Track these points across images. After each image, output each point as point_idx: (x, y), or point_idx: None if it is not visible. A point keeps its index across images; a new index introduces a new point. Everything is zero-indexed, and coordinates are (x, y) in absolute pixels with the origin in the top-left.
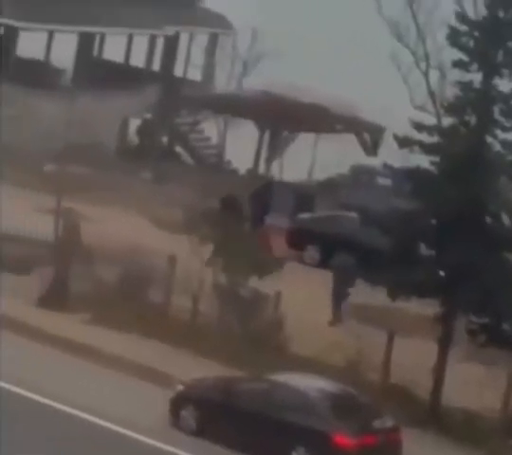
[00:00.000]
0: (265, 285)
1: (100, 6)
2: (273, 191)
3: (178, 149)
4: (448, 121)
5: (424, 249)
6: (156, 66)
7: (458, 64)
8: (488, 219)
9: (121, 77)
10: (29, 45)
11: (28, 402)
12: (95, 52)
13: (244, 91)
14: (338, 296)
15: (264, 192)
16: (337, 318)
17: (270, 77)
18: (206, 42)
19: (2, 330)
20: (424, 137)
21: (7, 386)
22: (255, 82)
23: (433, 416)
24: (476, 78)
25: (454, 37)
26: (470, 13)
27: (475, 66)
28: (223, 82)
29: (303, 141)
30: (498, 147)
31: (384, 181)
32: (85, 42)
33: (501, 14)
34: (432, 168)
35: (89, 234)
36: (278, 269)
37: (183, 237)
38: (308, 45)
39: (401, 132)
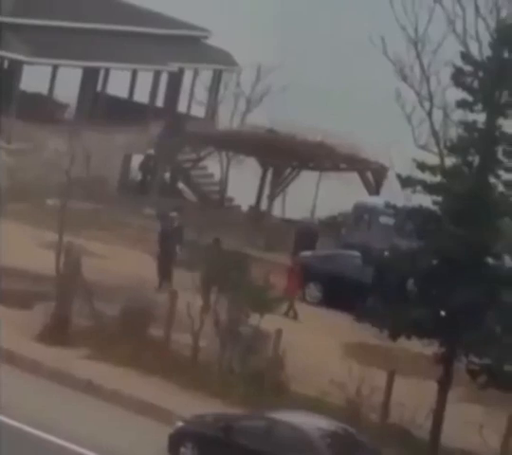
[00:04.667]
0: (266, 323)
1: (104, 41)
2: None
3: (181, 185)
4: (451, 161)
5: (425, 289)
6: (160, 102)
7: (462, 104)
8: (490, 260)
9: (125, 112)
10: (33, 79)
11: (27, 435)
12: (99, 87)
13: (247, 128)
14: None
15: None
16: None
17: (274, 114)
18: (210, 78)
19: (2, 364)
20: (427, 177)
21: (5, 419)
22: (258, 120)
23: None
24: (480, 118)
25: (459, 77)
26: (475, 53)
27: (479, 106)
28: (226, 119)
29: (306, 179)
30: (501, 187)
31: (386, 220)
32: (89, 76)
33: (505, 55)
34: (435, 207)
35: (91, 269)
36: (279, 307)
37: (185, 273)
38: (312, 83)
39: (404, 171)
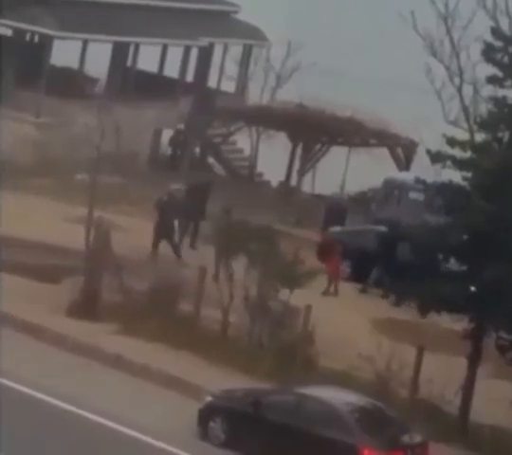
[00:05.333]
0: (296, 298)
1: (134, 16)
2: None
3: (211, 160)
4: (480, 137)
5: (455, 265)
6: (190, 77)
7: (492, 80)
8: None
9: (155, 87)
10: (64, 53)
11: (55, 410)
12: (129, 62)
13: (277, 103)
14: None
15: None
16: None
17: (304, 89)
18: (240, 53)
19: (31, 338)
20: (457, 153)
21: (32, 392)
22: (288, 95)
23: (461, 432)
24: (510, 93)
25: (489, 52)
26: (505, 29)
27: (509, 82)
28: (256, 94)
29: (336, 155)
30: None
31: (416, 196)
32: (120, 51)
33: None
34: (465, 183)
35: (120, 244)
36: (309, 282)
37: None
38: (342, 58)
39: (434, 147)
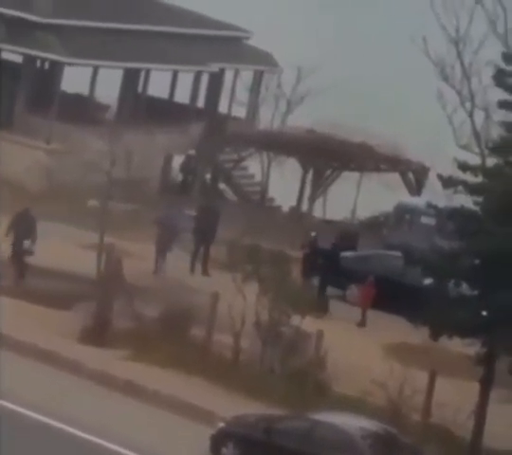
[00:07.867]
0: (308, 324)
1: (145, 42)
2: None
3: (222, 186)
4: (492, 162)
5: (467, 289)
6: (201, 103)
7: (503, 105)
8: None
9: (166, 113)
10: (75, 80)
11: (67, 435)
12: (140, 88)
13: (288, 129)
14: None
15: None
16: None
17: (315, 115)
18: (251, 79)
19: (44, 365)
20: (468, 178)
21: (42, 418)
22: (299, 120)
23: None
24: None
25: (500, 77)
26: None
27: None
28: (267, 120)
29: (347, 180)
30: None
31: (428, 220)
32: (130, 77)
33: None
34: (476, 208)
35: (131, 270)
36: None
37: (226, 274)
38: (353, 84)
39: (445, 172)
